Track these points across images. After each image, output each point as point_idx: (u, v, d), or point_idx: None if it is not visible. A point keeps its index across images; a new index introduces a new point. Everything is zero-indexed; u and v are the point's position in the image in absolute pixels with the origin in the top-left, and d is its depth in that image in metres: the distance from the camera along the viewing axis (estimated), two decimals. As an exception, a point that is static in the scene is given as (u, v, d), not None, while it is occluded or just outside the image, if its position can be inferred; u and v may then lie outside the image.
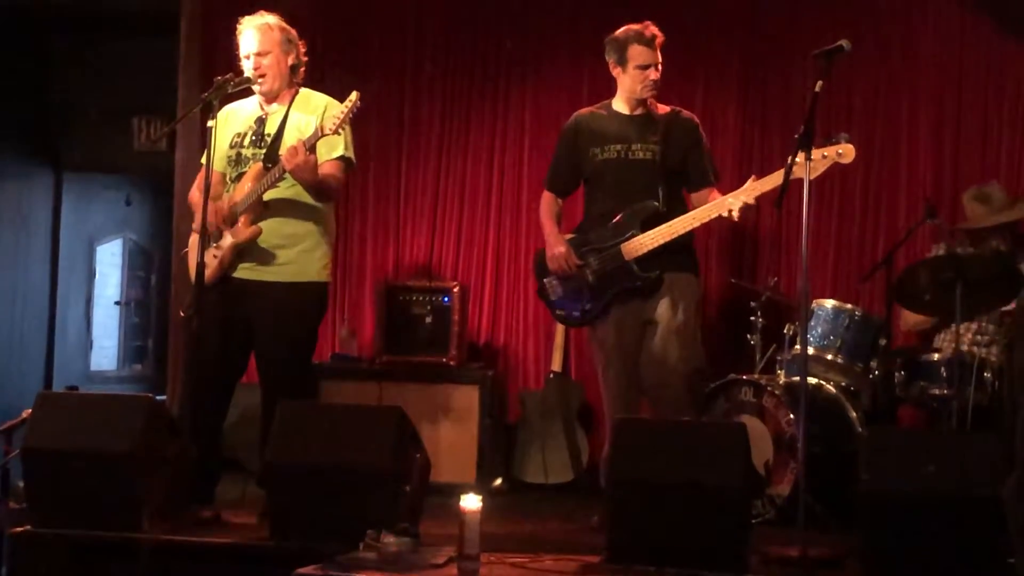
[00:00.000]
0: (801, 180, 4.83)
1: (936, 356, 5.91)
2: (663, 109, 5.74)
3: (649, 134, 5.64)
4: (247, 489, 5.80)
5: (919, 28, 6.95)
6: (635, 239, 5.54)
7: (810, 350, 5.93)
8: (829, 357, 6.07)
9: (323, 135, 5.30)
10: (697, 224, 5.51)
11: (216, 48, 7.39)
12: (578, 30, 7.47)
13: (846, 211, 6.99)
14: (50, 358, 8.95)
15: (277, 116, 5.55)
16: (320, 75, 6.64)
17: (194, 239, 5.42)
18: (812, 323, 6.08)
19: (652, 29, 5.62)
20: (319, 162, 5.47)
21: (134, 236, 9.79)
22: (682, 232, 5.51)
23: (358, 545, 4.39)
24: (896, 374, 5.93)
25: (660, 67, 5.64)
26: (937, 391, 5.83)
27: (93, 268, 9.45)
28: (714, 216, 5.46)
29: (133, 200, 9.73)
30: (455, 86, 7.68)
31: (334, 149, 5.49)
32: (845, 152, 5.16)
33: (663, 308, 5.56)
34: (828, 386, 6.01)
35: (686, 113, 5.80)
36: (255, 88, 5.55)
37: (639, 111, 5.69)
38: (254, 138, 5.56)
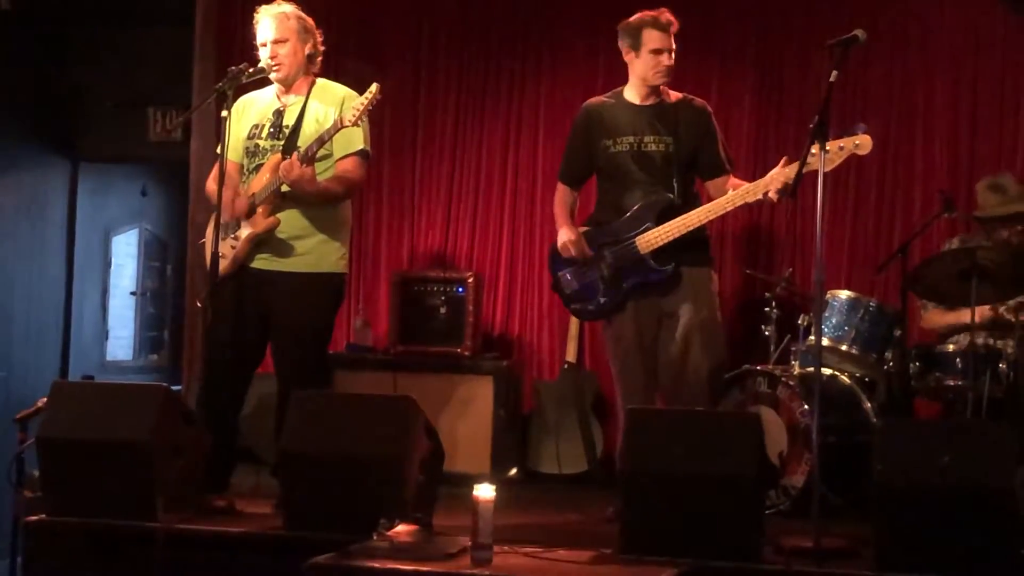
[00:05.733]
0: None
1: (951, 347, 5.89)
2: (675, 97, 5.68)
3: (661, 125, 5.58)
4: (261, 478, 5.83)
5: (935, 18, 6.93)
6: (650, 232, 5.48)
7: (825, 341, 5.93)
8: (844, 348, 6.07)
9: (342, 127, 5.31)
10: (713, 216, 5.47)
11: (231, 38, 7.42)
12: (593, 21, 7.45)
13: (861, 202, 6.98)
14: (66, 348, 8.97)
15: (295, 107, 5.56)
16: (335, 66, 6.66)
17: (211, 229, 5.43)
18: (827, 314, 6.08)
19: (668, 15, 5.57)
20: (337, 157, 5.49)
21: (150, 226, 9.80)
22: (697, 225, 5.47)
23: (371, 534, 4.40)
24: (911, 365, 5.91)
25: (674, 54, 5.59)
26: (952, 382, 5.81)
27: (109, 258, 9.46)
28: (732, 208, 5.43)
29: (149, 190, 9.75)
30: (470, 77, 7.68)
31: (352, 143, 5.50)
32: (862, 143, 5.12)
33: (684, 305, 5.51)
34: (843, 377, 6.01)
35: (698, 101, 5.74)
36: (271, 76, 5.55)
37: (651, 100, 5.63)
38: (272, 130, 5.56)
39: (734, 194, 5.41)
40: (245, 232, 5.47)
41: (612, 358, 5.72)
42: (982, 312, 5.71)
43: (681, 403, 5.49)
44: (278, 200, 5.44)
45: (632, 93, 5.67)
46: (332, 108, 5.50)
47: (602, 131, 5.66)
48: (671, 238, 5.47)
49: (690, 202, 5.58)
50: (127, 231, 9.65)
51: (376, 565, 4.14)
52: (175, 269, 9.65)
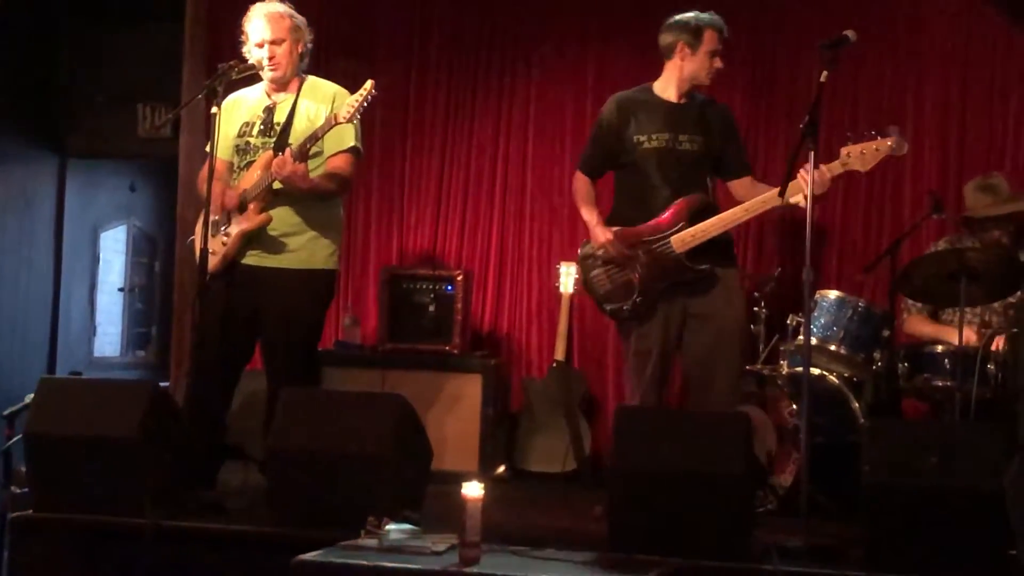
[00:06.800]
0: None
1: (939, 348, 5.90)
2: (700, 97, 5.69)
3: (694, 124, 5.57)
4: (249, 475, 5.82)
5: (926, 19, 6.94)
6: (685, 231, 5.44)
7: (813, 341, 5.92)
8: (832, 348, 6.06)
9: (336, 123, 5.31)
10: (750, 216, 5.43)
11: (221, 35, 7.39)
12: (583, 19, 7.46)
13: (851, 202, 6.98)
14: (53, 344, 8.95)
15: (286, 105, 5.56)
16: (325, 63, 6.66)
17: (200, 226, 5.43)
18: (816, 314, 6.07)
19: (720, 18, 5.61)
20: (328, 154, 5.50)
21: (138, 222, 9.80)
22: (733, 224, 5.45)
23: (359, 532, 4.39)
24: (899, 365, 5.92)
25: None
26: (940, 383, 5.82)
27: (97, 254, 9.45)
28: (769, 208, 5.38)
29: (137, 186, 9.74)
30: (460, 73, 7.67)
31: (344, 140, 5.51)
32: (897, 145, 5.18)
33: (717, 306, 5.48)
34: (831, 377, 6.00)
35: (720, 103, 5.78)
36: (266, 76, 5.55)
37: (684, 99, 5.61)
38: (263, 127, 5.56)
39: (770, 194, 5.36)
40: (236, 229, 5.46)
41: (632, 355, 5.62)
42: (968, 336, 5.74)
43: (711, 404, 5.44)
44: (270, 197, 5.44)
45: (668, 90, 5.63)
46: (323, 105, 5.51)
47: (634, 125, 5.60)
48: (707, 237, 5.42)
49: (718, 202, 5.58)
50: (115, 227, 9.64)
51: (364, 563, 4.13)
52: (163, 265, 9.65)
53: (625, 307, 5.58)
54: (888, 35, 6.95)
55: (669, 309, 5.52)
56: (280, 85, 5.59)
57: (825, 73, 4.85)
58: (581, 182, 5.75)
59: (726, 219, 5.43)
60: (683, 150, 5.55)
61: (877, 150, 5.16)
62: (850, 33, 4.91)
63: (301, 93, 5.57)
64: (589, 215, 5.66)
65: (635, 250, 5.53)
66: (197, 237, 5.41)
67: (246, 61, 5.54)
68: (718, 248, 5.49)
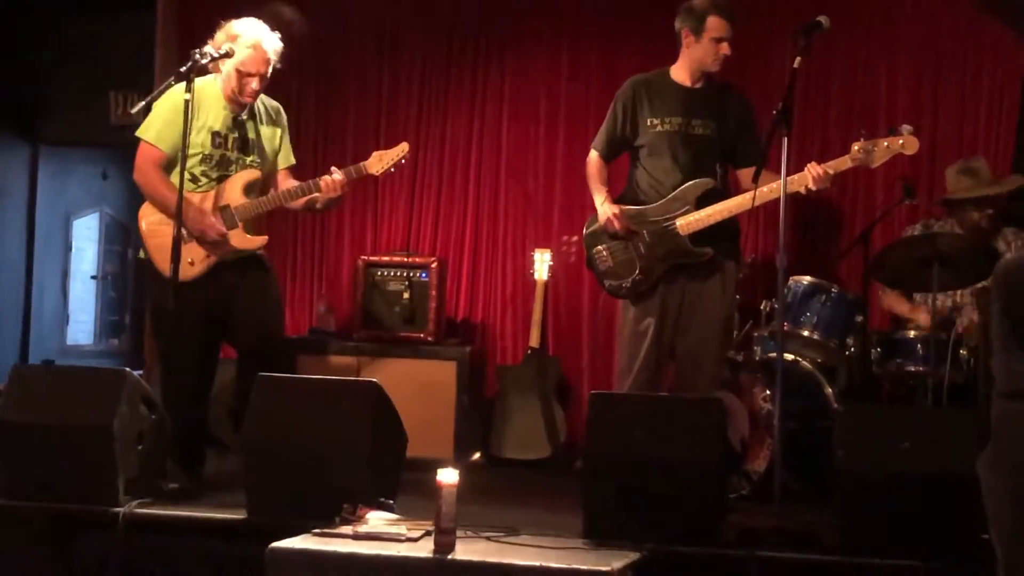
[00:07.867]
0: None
1: (912, 333, 5.92)
2: (719, 83, 5.71)
3: (707, 110, 5.61)
4: (224, 462, 5.81)
5: (897, 6, 6.94)
6: (690, 215, 5.52)
7: (786, 327, 5.94)
8: (805, 333, 6.07)
9: (366, 174, 5.68)
10: (756, 204, 5.41)
11: (194, 22, 7.36)
12: (557, 8, 7.45)
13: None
14: (26, 332, 8.92)
15: (251, 122, 5.67)
16: (299, 56, 6.63)
17: (147, 219, 5.72)
18: (789, 300, 6.08)
19: (730, 4, 5.60)
20: (283, 167, 5.79)
21: (110, 210, 9.77)
22: (738, 211, 5.49)
23: (334, 519, 4.39)
24: (872, 351, 5.94)
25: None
26: (913, 368, 5.84)
27: (70, 242, 9.42)
28: (773, 197, 5.37)
29: (109, 174, 9.72)
30: (433, 62, 7.65)
31: (291, 157, 5.82)
32: (907, 143, 5.28)
33: (713, 295, 5.57)
34: (804, 362, 6.02)
35: (738, 90, 5.81)
36: (243, 100, 5.55)
37: (699, 84, 5.65)
38: (237, 141, 5.57)
39: (776, 184, 5.33)
40: (229, 245, 5.54)
41: (629, 335, 5.69)
42: (925, 321, 5.81)
43: (697, 388, 5.53)
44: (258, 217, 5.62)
45: (682, 74, 5.68)
46: (278, 129, 5.75)
47: (649, 108, 5.66)
48: (711, 222, 5.50)
49: (727, 189, 5.59)
50: (88, 215, 9.62)
51: (339, 550, 4.13)
52: (136, 253, 9.60)
53: (625, 284, 5.65)
54: (860, 21, 6.95)
55: (668, 291, 5.58)
56: (243, 106, 5.63)
57: (798, 59, 4.86)
58: (593, 162, 5.81)
59: (731, 206, 5.49)
60: (696, 134, 5.60)
61: (888, 147, 5.27)
62: (823, 19, 4.92)
63: (256, 109, 5.68)
64: (597, 193, 5.71)
65: (640, 228, 5.58)
66: (147, 227, 5.67)
67: (219, 49, 5.49)
68: (724, 236, 5.54)
